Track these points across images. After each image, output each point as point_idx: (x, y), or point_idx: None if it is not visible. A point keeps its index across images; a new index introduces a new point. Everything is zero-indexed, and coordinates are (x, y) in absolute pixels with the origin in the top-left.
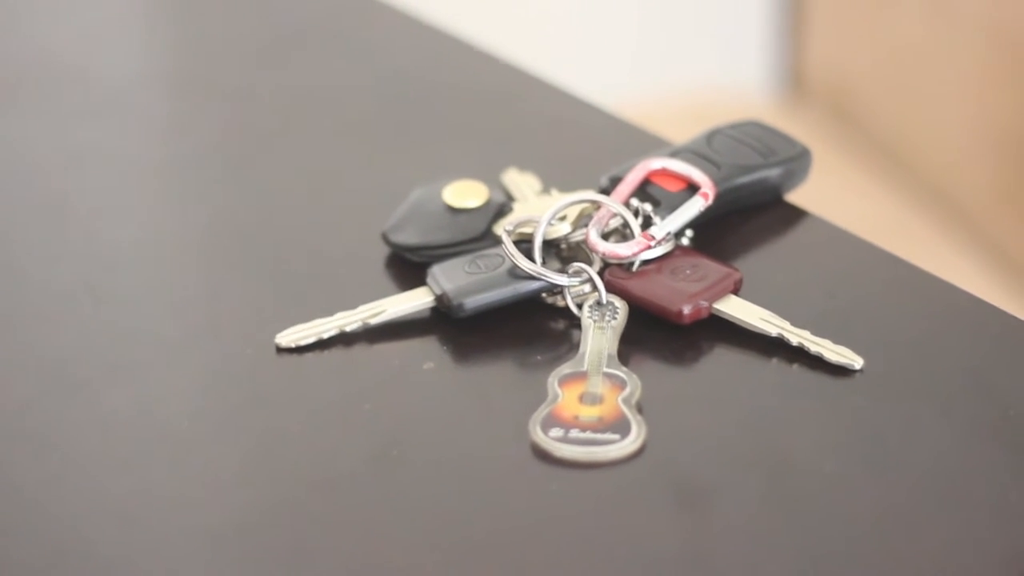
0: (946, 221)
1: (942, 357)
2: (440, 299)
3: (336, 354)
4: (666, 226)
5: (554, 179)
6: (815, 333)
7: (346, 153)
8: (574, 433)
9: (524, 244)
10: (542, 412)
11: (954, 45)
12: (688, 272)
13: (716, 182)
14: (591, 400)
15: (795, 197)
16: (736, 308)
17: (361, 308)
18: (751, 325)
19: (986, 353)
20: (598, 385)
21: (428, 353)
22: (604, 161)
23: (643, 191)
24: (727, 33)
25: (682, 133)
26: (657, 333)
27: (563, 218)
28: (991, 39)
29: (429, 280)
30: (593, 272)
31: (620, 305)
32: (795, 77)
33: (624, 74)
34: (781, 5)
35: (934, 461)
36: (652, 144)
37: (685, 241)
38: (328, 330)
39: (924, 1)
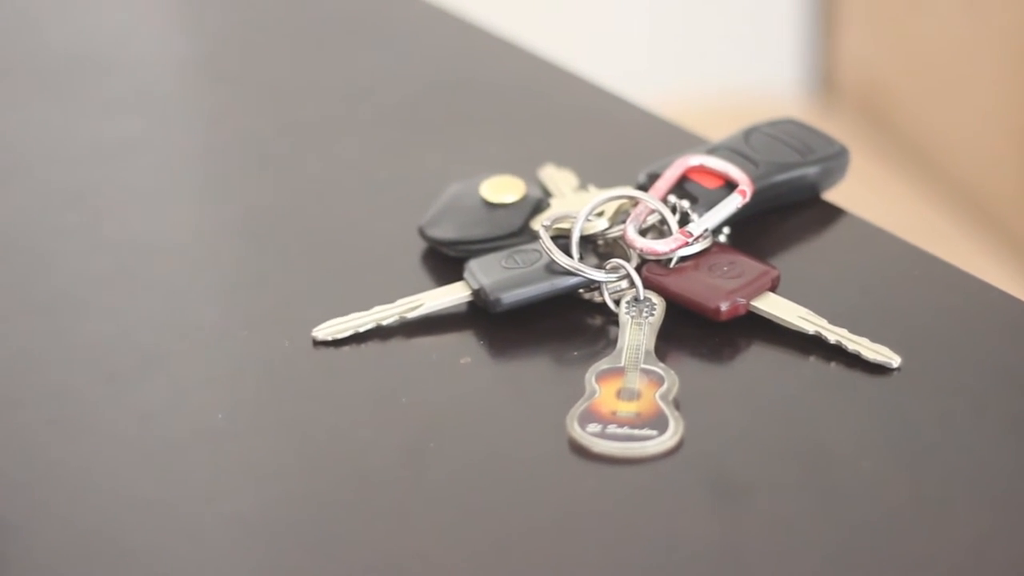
0: (976, 222)
1: (976, 353)
2: (477, 294)
3: (373, 348)
4: (704, 223)
5: (591, 175)
6: (852, 331)
7: (383, 147)
8: (611, 429)
9: (561, 240)
10: (579, 407)
11: (985, 47)
12: (725, 269)
13: (754, 180)
14: (628, 396)
15: (828, 197)
16: (773, 305)
17: (398, 302)
18: (788, 322)
19: (1020, 349)
20: (635, 381)
21: (465, 347)
22: (641, 157)
23: (681, 188)
24: (759, 34)
25: (714, 133)
26: (694, 330)
27: (600, 214)
28: (1022, 42)
29: (466, 275)
30: (630, 268)
31: (657, 301)
32: (827, 78)
33: (655, 75)
34: (813, 6)
35: (969, 456)
36: (689, 141)
37: (722, 238)
38: (365, 324)
39: (956, 3)
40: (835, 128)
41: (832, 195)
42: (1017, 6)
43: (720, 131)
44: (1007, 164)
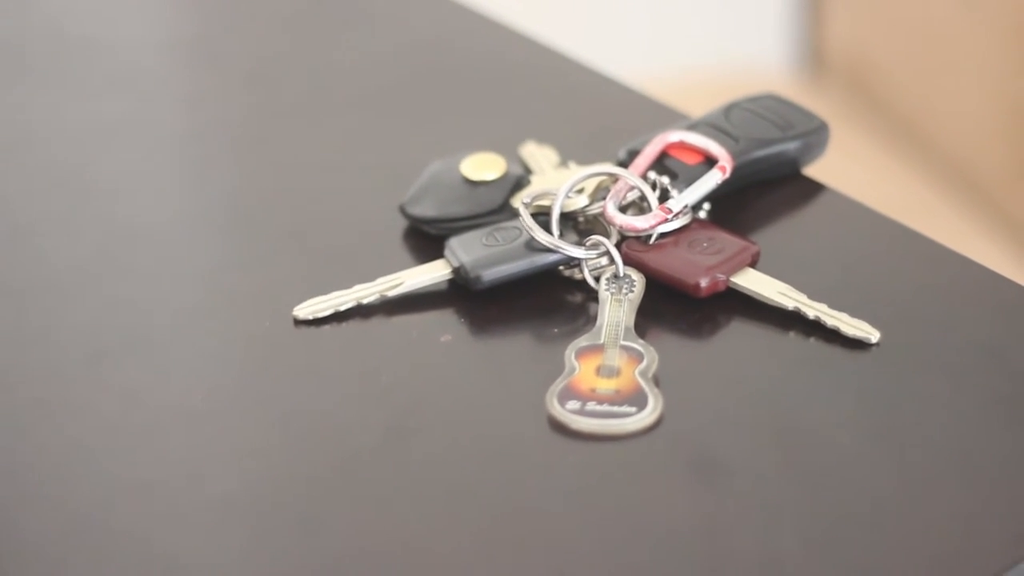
0: (964, 198)
1: (957, 330)
2: (458, 271)
3: (354, 326)
4: (684, 199)
5: (572, 152)
6: (832, 306)
7: (364, 126)
8: (591, 406)
9: (542, 217)
10: (559, 385)
11: (974, 23)
12: (705, 245)
13: (734, 155)
14: (608, 373)
15: (812, 172)
16: (753, 281)
17: (379, 280)
18: (768, 298)
19: (1001, 326)
20: (615, 358)
21: (445, 325)
22: (622, 134)
23: (661, 164)
24: (747, 10)
25: (700, 109)
26: (674, 306)
27: (581, 191)
28: (1011, 17)
29: (447, 252)
30: (610, 245)
31: (637, 278)
32: (815, 54)
33: (643, 50)
34: None
35: (948, 434)
36: (670, 117)
37: (702, 214)
38: (346, 302)
39: None
40: (823, 104)
41: (820, 172)
42: None
43: (706, 107)
44: (995, 139)
